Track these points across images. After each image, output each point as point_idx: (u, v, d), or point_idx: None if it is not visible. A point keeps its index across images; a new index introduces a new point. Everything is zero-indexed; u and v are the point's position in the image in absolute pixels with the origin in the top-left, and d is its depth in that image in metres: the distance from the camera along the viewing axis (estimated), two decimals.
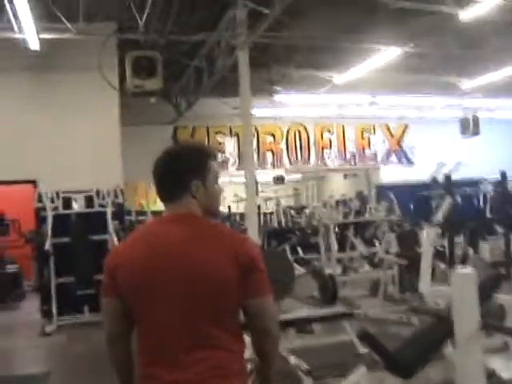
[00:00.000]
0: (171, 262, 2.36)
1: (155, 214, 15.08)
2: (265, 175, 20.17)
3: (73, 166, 11.50)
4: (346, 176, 26.74)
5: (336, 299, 8.06)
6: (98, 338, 8.91)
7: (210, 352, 2.33)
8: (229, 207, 21.27)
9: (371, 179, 23.27)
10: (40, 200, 10.83)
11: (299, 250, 16.38)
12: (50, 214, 10.48)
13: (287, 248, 15.11)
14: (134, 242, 2.54)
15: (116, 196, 11.10)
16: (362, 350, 6.94)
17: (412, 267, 9.05)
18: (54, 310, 10.40)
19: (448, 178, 10.79)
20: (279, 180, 21.41)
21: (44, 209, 10.67)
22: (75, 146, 11.78)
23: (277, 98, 16.54)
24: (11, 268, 14.15)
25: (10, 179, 11.73)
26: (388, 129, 22.44)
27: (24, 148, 11.66)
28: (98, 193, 11.13)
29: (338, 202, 23.11)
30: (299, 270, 14.31)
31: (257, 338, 2.48)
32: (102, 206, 11.04)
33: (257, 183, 22.21)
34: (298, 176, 25.44)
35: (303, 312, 7.04)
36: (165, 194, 2.56)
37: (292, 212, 24.92)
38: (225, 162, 20.03)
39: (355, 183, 25.97)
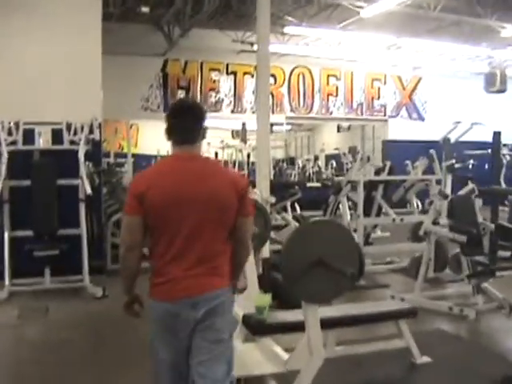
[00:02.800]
0: (193, 188, 3.05)
1: (135, 157, 14.89)
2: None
3: (42, 96, 9.08)
4: (339, 129, 25.04)
5: (362, 275, 7.00)
6: (57, 316, 6.70)
7: (214, 256, 3.11)
8: (216, 154, 20.02)
9: (376, 134, 21.81)
10: None
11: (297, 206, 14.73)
12: (4, 150, 8.16)
13: (288, 205, 13.28)
14: (160, 172, 3.19)
15: (91, 132, 8.74)
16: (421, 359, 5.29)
17: (473, 245, 7.05)
18: (7, 273, 8.18)
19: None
20: None
21: None
22: (46, 73, 9.31)
23: (288, 30, 14.05)
24: None
25: None
26: (400, 80, 20.35)
27: None
28: (69, 127, 8.79)
29: (328, 157, 21.74)
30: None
31: (235, 247, 3.23)
32: (73, 142, 8.74)
33: (245, 130, 20.62)
34: (288, 127, 23.32)
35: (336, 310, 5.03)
36: (188, 136, 3.16)
37: (283, 164, 23.44)
38: (219, 103, 17.77)
39: (348, 137, 24.30)
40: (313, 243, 3.88)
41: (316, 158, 22.30)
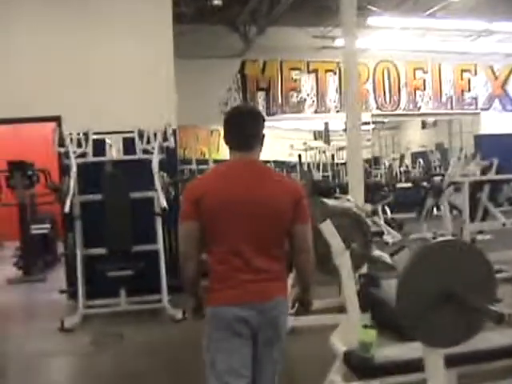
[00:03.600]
0: (248, 192, 3.05)
1: (217, 162, 13.28)
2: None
3: (111, 104, 8.51)
4: (424, 125, 23.91)
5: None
6: (133, 342, 6.00)
7: (269, 261, 3.07)
8: (299, 156, 18.90)
9: (465, 128, 20.63)
10: (62, 143, 7.92)
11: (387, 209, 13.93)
12: (73, 163, 7.58)
13: (379, 208, 12.47)
14: (216, 177, 3.20)
15: (165, 139, 8.06)
16: None
17: None
18: (80, 294, 7.57)
19: None
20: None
21: (68, 154, 7.78)
22: (115, 78, 8.75)
23: (371, 21, 13.09)
24: (40, 228, 11.37)
25: (30, 116, 8.75)
26: (492, 69, 19.03)
27: (49, 77, 8.71)
28: (141, 135, 8.14)
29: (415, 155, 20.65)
30: (393, 235, 11.67)
31: (297, 256, 3.17)
32: (146, 151, 8.08)
33: (328, 131, 19.77)
34: (372, 126, 22.35)
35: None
36: (247, 143, 3.15)
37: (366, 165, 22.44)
38: (301, 103, 16.97)
39: (434, 133, 23.11)
40: (439, 272, 3.01)
41: (402, 157, 21.30)
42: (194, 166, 15.96)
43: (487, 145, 18.08)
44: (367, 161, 24.03)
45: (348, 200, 6.60)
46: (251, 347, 3.07)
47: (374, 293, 5.36)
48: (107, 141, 8.27)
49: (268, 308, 3.03)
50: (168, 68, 9.03)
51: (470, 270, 3.05)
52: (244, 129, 3.13)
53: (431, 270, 3.02)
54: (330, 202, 6.42)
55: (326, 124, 18.81)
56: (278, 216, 3.06)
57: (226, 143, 3.19)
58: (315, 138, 21.05)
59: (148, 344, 6.61)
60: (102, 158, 8.10)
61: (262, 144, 3.20)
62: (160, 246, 7.81)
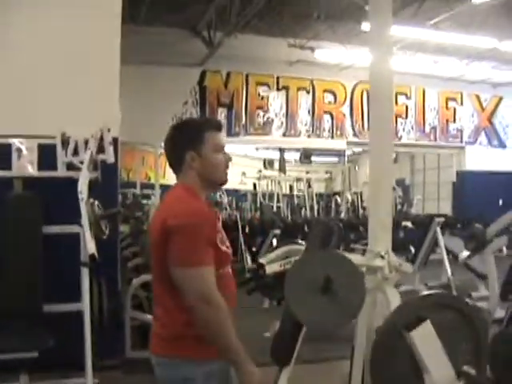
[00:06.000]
0: (152, 224, 2.65)
1: (164, 187, 12.59)
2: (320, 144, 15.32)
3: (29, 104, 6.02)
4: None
5: None
6: None
7: (159, 310, 2.63)
8: (254, 185, 17.59)
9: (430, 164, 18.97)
10: None
11: None
12: None
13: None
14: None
15: (101, 150, 5.50)
16: None
17: None
18: None
19: None
20: (306, 158, 17.52)
21: None
22: (43, 82, 6.25)
23: (365, 27, 10.77)
24: None
25: None
26: (478, 99, 17.14)
27: None
28: (65, 142, 5.60)
29: None
30: None
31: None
32: (72, 167, 5.55)
33: (284, 159, 17.70)
34: (335, 158, 21.79)
35: None
36: (171, 167, 2.73)
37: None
38: (267, 124, 14.63)
39: (396, 169, 21.32)
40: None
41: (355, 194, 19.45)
42: (138, 191, 14.90)
43: (470, 183, 16.33)
44: (327, 196, 22.39)
45: (381, 256, 4.25)
46: None
47: None
48: (14, 146, 5.68)
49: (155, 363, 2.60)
50: (112, 76, 6.58)
51: None
52: (165, 151, 2.76)
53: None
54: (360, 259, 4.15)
55: (282, 151, 16.73)
56: (153, 252, 2.59)
57: None
58: (265, 167, 18.89)
59: None
60: (4, 173, 5.53)
61: (190, 161, 2.63)
62: (86, 304, 5.22)
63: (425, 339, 2.24)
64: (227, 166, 2.71)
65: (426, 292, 3.90)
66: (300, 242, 6.23)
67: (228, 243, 2.65)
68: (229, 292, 2.59)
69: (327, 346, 6.07)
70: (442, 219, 10.41)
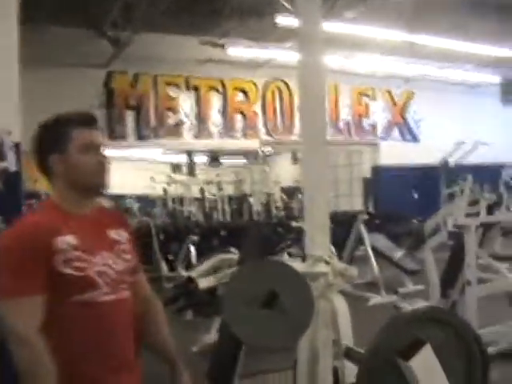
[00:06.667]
0: None
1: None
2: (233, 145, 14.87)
3: None
4: (295, 160, 22.08)
5: None
6: None
7: None
8: (164, 190, 16.73)
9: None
10: None
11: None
12: None
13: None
14: None
15: (1, 156, 4.85)
16: None
17: None
18: None
19: None
20: (214, 161, 17.48)
21: None
22: None
23: (281, 20, 10.34)
24: None
25: None
26: (390, 94, 17.14)
27: None
28: None
29: (285, 190, 18.67)
30: None
31: None
32: None
33: (193, 162, 17.28)
34: (244, 160, 20.97)
35: None
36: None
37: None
38: (178, 126, 14.10)
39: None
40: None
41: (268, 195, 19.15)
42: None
43: (386, 177, 16.33)
44: (237, 198, 22.04)
45: (326, 261, 3.85)
46: None
47: None
48: None
49: None
50: (11, 79, 5.94)
51: None
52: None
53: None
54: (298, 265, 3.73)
55: (190, 154, 16.26)
56: None
57: None
58: (173, 171, 18.39)
59: None
60: None
61: (53, 166, 2.27)
62: None
63: (426, 369, 1.83)
64: (102, 168, 2.30)
65: (416, 306, 3.54)
66: (231, 250, 5.72)
67: (109, 261, 2.20)
68: (104, 328, 2.14)
69: (267, 357, 5.67)
70: (365, 216, 10.25)
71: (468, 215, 4.98)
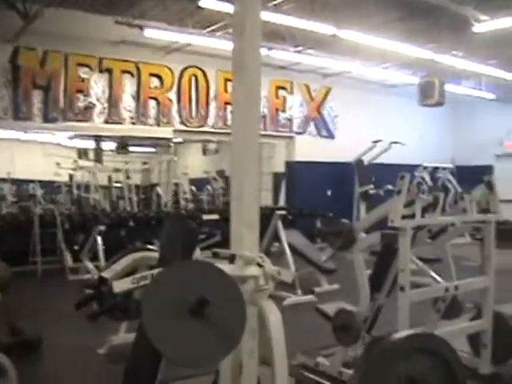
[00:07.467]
0: None
1: None
2: (145, 132, 14.40)
3: None
4: (205, 151, 21.71)
5: None
6: None
7: None
8: (70, 176, 15.85)
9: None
10: None
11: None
12: None
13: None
14: None
15: None
16: None
17: None
18: None
19: None
20: (123, 148, 16.74)
21: None
22: None
23: (204, 4, 9.75)
24: None
25: None
26: (308, 89, 16.90)
27: None
28: None
29: (194, 181, 18.29)
30: None
31: None
32: None
33: (100, 149, 16.60)
34: (152, 149, 20.29)
35: None
36: None
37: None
38: (88, 110, 13.38)
39: (217, 160, 20.98)
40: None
41: (176, 185, 18.62)
42: None
43: (300, 172, 16.10)
44: (145, 187, 21.41)
45: (258, 264, 3.40)
46: None
47: None
48: None
49: None
50: None
51: None
52: None
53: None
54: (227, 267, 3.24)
55: (98, 141, 15.62)
56: None
57: None
58: (80, 157, 17.55)
59: None
60: None
61: None
62: None
63: None
64: None
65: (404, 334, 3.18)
66: (148, 246, 5.15)
67: None
68: None
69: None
70: (283, 212, 9.91)
71: (403, 217, 4.62)
